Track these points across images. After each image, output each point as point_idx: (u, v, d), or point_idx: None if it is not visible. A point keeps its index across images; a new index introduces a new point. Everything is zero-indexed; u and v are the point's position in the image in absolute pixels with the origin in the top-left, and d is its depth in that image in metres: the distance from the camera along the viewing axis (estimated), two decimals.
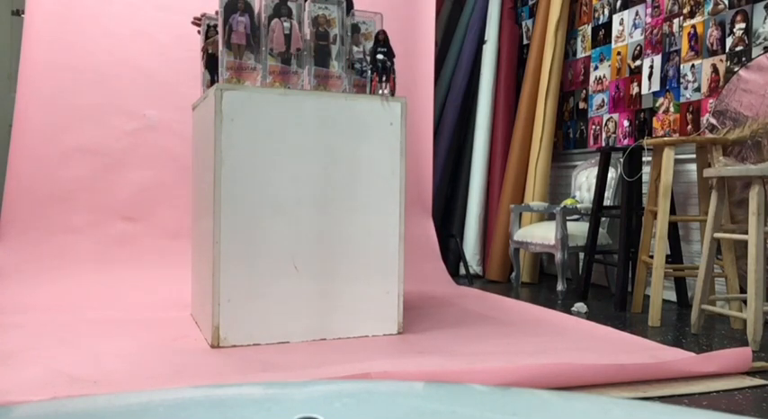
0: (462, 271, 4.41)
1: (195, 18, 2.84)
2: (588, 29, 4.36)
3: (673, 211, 3.24)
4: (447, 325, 2.76)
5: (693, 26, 3.51)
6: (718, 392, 1.91)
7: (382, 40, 2.52)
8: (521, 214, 4.18)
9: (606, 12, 4.19)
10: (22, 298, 3.00)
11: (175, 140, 3.52)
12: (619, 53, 4.07)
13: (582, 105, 4.40)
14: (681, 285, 3.34)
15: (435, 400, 0.66)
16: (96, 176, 3.41)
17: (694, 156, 3.23)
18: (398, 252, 2.57)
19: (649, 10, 3.82)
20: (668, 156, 2.90)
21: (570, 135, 4.52)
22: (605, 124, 4.18)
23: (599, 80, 4.24)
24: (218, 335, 2.31)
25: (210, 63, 2.67)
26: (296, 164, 2.41)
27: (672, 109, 3.64)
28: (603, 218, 3.85)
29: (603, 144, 4.18)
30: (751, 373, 2.09)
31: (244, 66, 2.40)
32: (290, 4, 2.45)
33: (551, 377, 1.88)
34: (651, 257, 3.09)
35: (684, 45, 3.56)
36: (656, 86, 3.76)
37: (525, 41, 4.93)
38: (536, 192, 4.26)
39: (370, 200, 2.52)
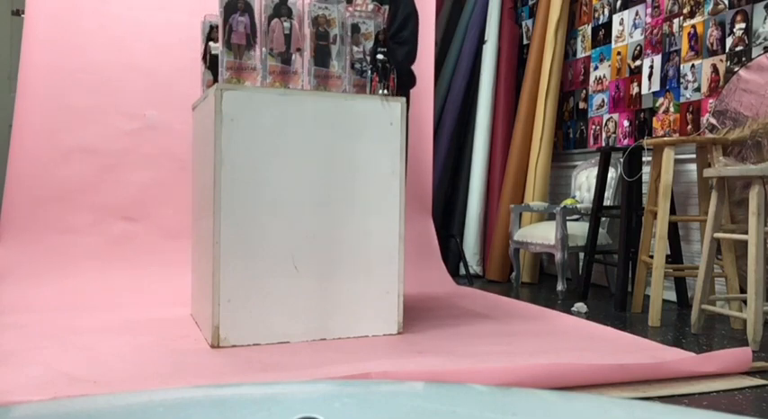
0: (462, 271, 4.41)
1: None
2: (588, 29, 4.36)
3: (673, 211, 3.24)
4: (447, 325, 2.76)
5: (693, 26, 3.51)
6: (718, 392, 1.91)
7: (382, 40, 2.52)
8: (521, 214, 4.18)
9: (606, 12, 4.19)
10: (21, 298, 3.00)
11: (175, 140, 3.52)
12: (619, 53, 4.07)
13: (582, 105, 4.40)
14: (681, 285, 3.34)
15: (435, 400, 0.66)
16: (96, 176, 3.41)
17: (694, 156, 3.23)
18: (398, 252, 2.57)
19: (649, 10, 3.82)
20: (668, 156, 2.90)
21: (570, 135, 4.52)
22: (605, 124, 4.18)
23: (599, 80, 4.24)
24: (218, 335, 2.31)
25: (213, 63, 2.67)
26: (296, 164, 2.41)
27: (672, 109, 3.64)
28: (603, 218, 3.85)
29: (603, 144, 4.18)
30: (751, 373, 2.09)
31: (244, 66, 2.40)
32: (290, 4, 2.45)
33: (551, 377, 1.88)
34: (651, 257, 3.08)
35: (684, 45, 3.56)
36: (656, 86, 3.76)
37: (525, 41, 4.92)
38: (536, 192, 4.26)
39: (369, 200, 2.52)
